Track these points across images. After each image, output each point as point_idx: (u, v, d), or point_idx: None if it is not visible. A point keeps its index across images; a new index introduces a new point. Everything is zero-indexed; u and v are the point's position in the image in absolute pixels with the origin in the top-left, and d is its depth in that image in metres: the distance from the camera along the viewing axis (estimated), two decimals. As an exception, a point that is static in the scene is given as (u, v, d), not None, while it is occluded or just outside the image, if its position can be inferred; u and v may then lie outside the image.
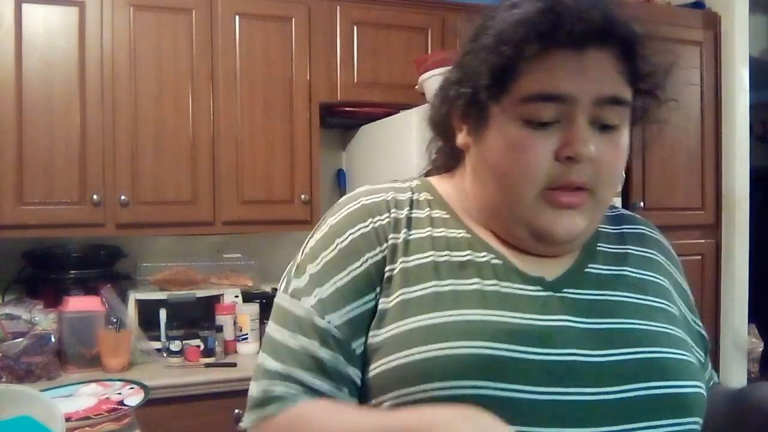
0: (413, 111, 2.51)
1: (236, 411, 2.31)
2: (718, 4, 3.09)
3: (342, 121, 2.94)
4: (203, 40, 2.59)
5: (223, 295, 2.64)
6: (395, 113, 2.70)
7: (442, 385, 0.68)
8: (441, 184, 0.86)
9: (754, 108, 3.29)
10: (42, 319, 2.32)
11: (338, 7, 2.78)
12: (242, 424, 0.79)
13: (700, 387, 0.76)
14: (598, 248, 0.82)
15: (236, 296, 2.65)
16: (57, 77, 2.41)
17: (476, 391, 0.67)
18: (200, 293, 2.62)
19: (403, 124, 2.59)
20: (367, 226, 0.78)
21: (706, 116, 3.03)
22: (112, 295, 2.42)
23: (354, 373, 0.75)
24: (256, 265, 2.86)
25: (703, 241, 3.06)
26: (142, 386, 1.62)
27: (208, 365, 2.41)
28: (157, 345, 2.48)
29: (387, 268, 0.76)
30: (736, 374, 3.08)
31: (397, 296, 0.74)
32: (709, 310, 3.06)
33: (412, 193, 0.83)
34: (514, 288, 0.75)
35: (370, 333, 0.74)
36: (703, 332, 0.90)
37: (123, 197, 2.47)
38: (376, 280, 0.76)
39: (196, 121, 2.58)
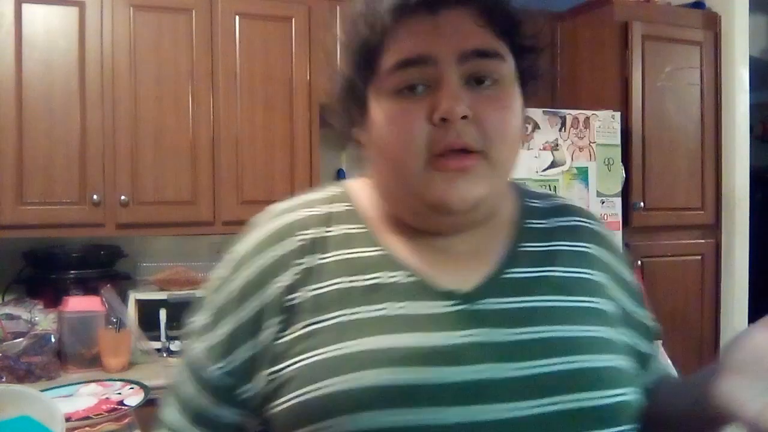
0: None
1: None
2: (718, 4, 3.09)
3: (342, 121, 2.94)
4: (203, 40, 2.59)
5: (223, 295, 2.63)
6: (395, 113, 2.70)
7: (351, 418, 0.65)
8: (361, 190, 0.81)
9: (754, 108, 3.29)
10: (42, 319, 2.32)
11: (338, 7, 2.78)
12: None
13: (625, 394, 0.71)
14: (519, 249, 0.77)
15: (236, 296, 2.64)
16: (57, 77, 2.41)
17: (386, 421, 0.64)
18: (200, 293, 2.61)
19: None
20: (271, 255, 0.74)
21: (706, 116, 3.03)
22: (112, 295, 2.42)
23: (243, 420, 0.74)
24: (256, 265, 2.86)
25: (703, 241, 3.06)
26: (142, 386, 1.62)
27: (208, 365, 2.41)
28: (157, 345, 2.48)
29: (290, 297, 0.72)
30: (736, 374, 3.07)
31: (304, 326, 0.70)
32: (709, 310, 3.06)
33: (328, 204, 0.79)
34: (426, 307, 0.70)
35: (271, 369, 0.70)
36: (647, 322, 0.85)
37: (123, 197, 2.47)
38: (271, 316, 0.71)
39: (196, 121, 2.58)
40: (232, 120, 2.63)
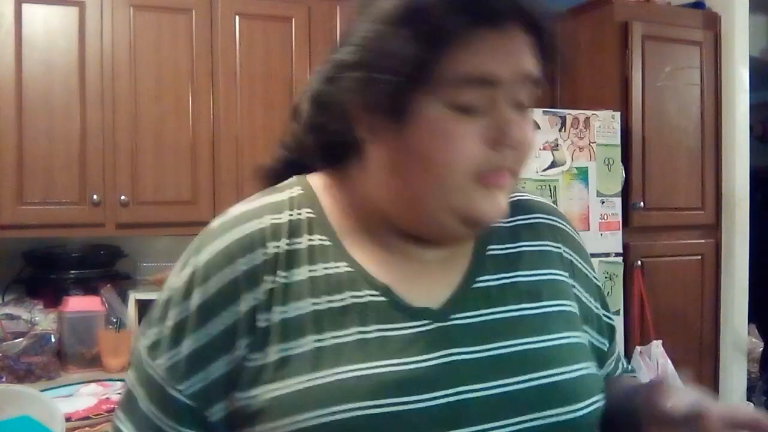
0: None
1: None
2: (718, 4, 3.08)
3: (342, 121, 2.94)
4: (203, 40, 2.59)
5: (223, 295, 2.63)
6: (395, 113, 2.70)
7: None
8: (324, 190, 0.77)
9: (754, 108, 3.29)
10: (42, 319, 2.32)
11: (338, 7, 2.78)
12: None
13: (596, 402, 0.73)
14: (488, 253, 0.77)
15: (236, 296, 2.64)
16: (57, 77, 2.41)
17: None
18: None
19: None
20: (237, 269, 0.70)
21: (706, 116, 3.03)
22: (112, 295, 2.42)
23: None
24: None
25: (703, 241, 3.05)
26: (142, 386, 1.62)
27: (208, 365, 2.41)
28: (157, 345, 2.48)
29: (260, 317, 0.68)
30: (736, 374, 3.07)
31: (276, 352, 0.67)
32: (709, 310, 3.06)
33: (291, 210, 0.74)
34: (399, 328, 0.69)
35: (241, 393, 0.67)
36: (609, 320, 0.86)
37: (123, 197, 2.47)
38: (243, 333, 0.68)
39: (196, 121, 2.58)
40: (232, 120, 2.63)
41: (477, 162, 0.68)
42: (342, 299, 0.69)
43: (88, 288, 2.45)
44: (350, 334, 0.68)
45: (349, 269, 0.71)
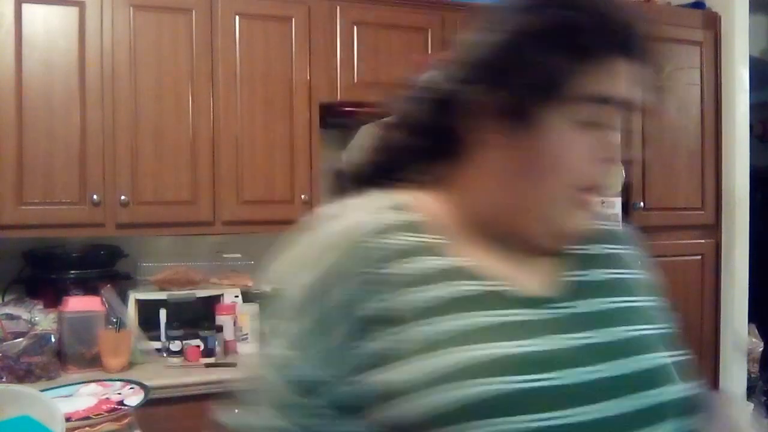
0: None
1: (236, 411, 2.31)
2: (718, 4, 3.09)
3: (342, 121, 2.94)
4: (203, 40, 2.59)
5: (223, 295, 2.64)
6: (395, 113, 2.70)
7: (478, 423, 0.67)
8: (424, 201, 0.80)
9: (754, 108, 3.29)
10: (42, 319, 2.32)
11: (338, 7, 2.78)
12: None
13: (692, 386, 0.78)
14: (577, 252, 0.82)
15: (236, 296, 2.65)
16: (57, 77, 2.41)
17: (504, 428, 0.67)
18: (200, 293, 2.62)
19: (403, 124, 2.59)
20: (362, 257, 0.73)
21: (706, 116, 3.03)
22: (112, 295, 2.42)
23: (349, 428, 0.72)
24: (256, 265, 2.86)
25: (703, 241, 3.06)
26: (142, 386, 1.62)
27: (208, 365, 2.41)
28: (157, 345, 2.48)
29: (385, 306, 0.71)
30: (736, 374, 3.08)
31: (403, 334, 0.70)
32: (709, 310, 3.06)
33: (398, 211, 0.77)
34: (519, 315, 0.74)
35: (375, 376, 0.71)
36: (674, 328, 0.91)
37: (123, 197, 2.47)
38: (373, 322, 0.71)
39: (196, 121, 2.58)
40: (232, 120, 2.63)
41: (582, 176, 0.74)
42: (465, 286, 0.74)
43: (88, 288, 2.45)
44: (474, 317, 0.72)
45: (462, 262, 0.76)
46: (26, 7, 2.38)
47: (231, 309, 2.59)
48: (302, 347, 0.72)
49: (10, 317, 2.30)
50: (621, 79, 0.73)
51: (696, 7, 3.09)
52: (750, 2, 3.08)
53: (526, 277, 0.77)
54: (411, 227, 0.76)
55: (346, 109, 2.84)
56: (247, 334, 2.57)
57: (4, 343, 2.21)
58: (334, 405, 0.71)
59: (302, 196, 2.71)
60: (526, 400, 0.67)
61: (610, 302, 0.79)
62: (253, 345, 2.58)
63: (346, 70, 2.80)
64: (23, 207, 2.37)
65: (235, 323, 2.58)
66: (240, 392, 0.78)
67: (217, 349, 2.48)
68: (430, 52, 2.88)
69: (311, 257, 0.75)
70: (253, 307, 2.60)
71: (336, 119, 2.91)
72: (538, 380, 0.68)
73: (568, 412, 0.68)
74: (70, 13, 2.43)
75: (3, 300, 2.53)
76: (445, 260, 0.75)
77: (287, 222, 2.90)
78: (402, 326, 0.70)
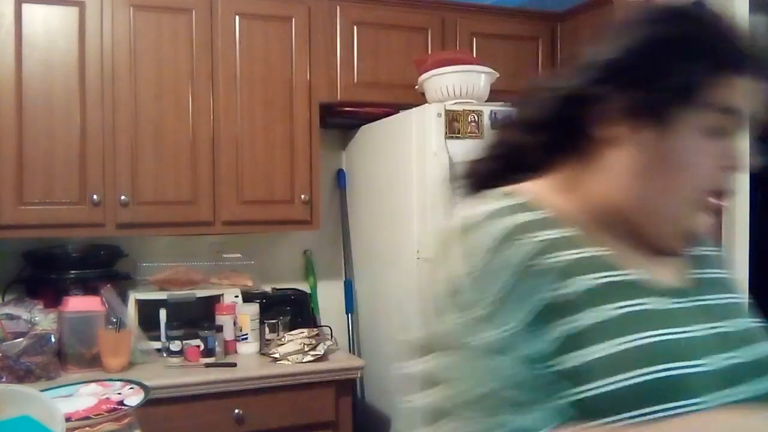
0: (413, 111, 2.51)
1: (236, 411, 2.31)
2: (718, 4, 3.08)
3: (342, 121, 2.94)
4: (203, 40, 2.59)
5: (223, 295, 2.64)
6: (395, 113, 2.70)
7: (652, 409, 0.71)
8: (551, 197, 0.84)
9: (754, 108, 3.28)
10: (42, 319, 2.32)
11: (338, 7, 2.78)
12: None
13: None
14: (695, 253, 0.90)
15: (236, 296, 2.65)
16: (57, 77, 2.41)
17: (678, 411, 0.72)
18: (200, 293, 2.62)
19: (403, 124, 2.59)
20: (527, 248, 0.76)
21: (706, 116, 3.03)
22: (112, 295, 2.42)
23: (551, 402, 0.74)
24: (256, 265, 2.87)
25: (703, 241, 3.05)
26: (142, 386, 1.62)
27: (208, 365, 2.41)
28: (157, 345, 2.48)
29: (556, 294, 0.75)
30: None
31: (573, 322, 0.74)
32: (709, 310, 3.05)
33: (529, 210, 0.81)
34: (666, 303, 0.79)
35: (556, 360, 0.74)
36: None
37: (123, 197, 2.47)
38: (552, 309, 0.75)
39: (196, 121, 2.58)
40: (232, 120, 2.63)
41: (709, 180, 0.79)
42: (615, 276, 0.79)
43: (88, 288, 2.45)
44: (636, 305, 0.77)
45: (604, 253, 0.81)
46: (26, 7, 2.38)
47: (231, 309, 2.59)
48: (483, 328, 0.74)
49: (10, 317, 2.30)
50: (744, 93, 0.79)
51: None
52: (750, 2, 3.08)
53: (657, 270, 0.83)
54: (547, 223, 0.80)
55: (346, 109, 2.85)
56: (246, 334, 2.57)
57: (4, 343, 2.21)
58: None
59: (302, 196, 2.71)
60: (689, 385, 0.73)
61: (725, 297, 0.86)
62: (253, 345, 2.58)
63: (346, 70, 2.80)
64: (23, 207, 2.37)
65: (235, 323, 2.58)
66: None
67: (217, 349, 2.48)
68: (429, 52, 2.88)
69: (478, 256, 0.76)
70: (253, 307, 2.60)
71: (336, 119, 2.91)
72: (695, 366, 0.75)
73: (717, 395, 0.74)
74: (70, 13, 2.43)
75: (3, 300, 2.53)
76: (584, 251, 0.79)
77: (287, 222, 2.92)
78: (571, 316, 0.75)
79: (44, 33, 2.40)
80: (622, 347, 0.73)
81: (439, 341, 0.77)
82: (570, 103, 0.82)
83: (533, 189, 0.85)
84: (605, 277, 0.78)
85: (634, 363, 0.72)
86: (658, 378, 0.72)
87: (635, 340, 0.74)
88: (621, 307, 0.76)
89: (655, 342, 0.75)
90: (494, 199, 0.83)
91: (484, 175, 0.91)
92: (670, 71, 0.77)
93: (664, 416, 0.71)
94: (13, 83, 2.36)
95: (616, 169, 0.81)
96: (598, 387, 0.72)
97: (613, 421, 0.71)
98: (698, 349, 0.76)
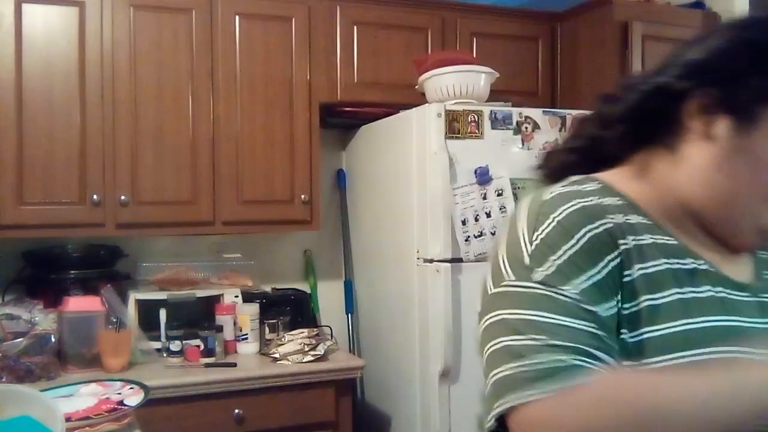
0: (413, 111, 2.51)
1: (236, 411, 2.31)
2: (718, 4, 3.09)
3: (342, 121, 2.94)
4: (203, 40, 2.59)
5: (223, 295, 2.64)
6: (395, 113, 2.70)
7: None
8: (626, 185, 0.87)
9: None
10: (42, 319, 2.32)
11: (338, 7, 2.78)
12: (505, 405, 0.74)
13: None
14: (759, 256, 0.92)
15: (236, 296, 2.65)
16: (57, 77, 2.41)
17: None
18: (200, 293, 2.62)
19: (403, 124, 2.59)
20: (598, 227, 0.79)
21: (706, 116, 3.03)
22: (112, 295, 2.42)
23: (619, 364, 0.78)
24: (256, 265, 2.86)
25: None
26: (142, 386, 1.62)
27: (208, 365, 2.41)
28: (157, 345, 2.48)
29: (625, 273, 0.79)
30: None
31: (642, 301, 0.78)
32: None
33: (608, 198, 0.84)
34: (733, 294, 0.83)
35: (623, 334, 0.78)
36: None
37: (123, 197, 2.47)
38: (618, 283, 0.78)
39: (196, 121, 2.58)
40: (232, 120, 2.63)
41: None
42: (686, 263, 0.83)
43: (88, 288, 2.45)
44: (703, 291, 0.81)
45: (675, 242, 0.84)
46: (26, 7, 2.38)
47: (231, 309, 2.59)
48: (563, 281, 0.77)
49: (10, 317, 2.30)
50: None
51: (696, 7, 3.09)
52: (750, 2, 3.08)
53: (722, 263, 0.85)
54: (620, 208, 0.83)
55: (346, 109, 2.85)
56: (246, 334, 2.57)
57: (4, 343, 2.21)
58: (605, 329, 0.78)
59: (302, 196, 2.71)
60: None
61: None
62: (253, 345, 2.58)
63: (346, 70, 2.80)
64: (23, 207, 2.37)
65: (235, 323, 2.58)
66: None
67: (217, 349, 2.47)
68: (429, 52, 2.88)
69: (564, 234, 0.79)
70: (253, 307, 2.60)
71: (336, 119, 2.91)
72: (751, 354, 0.77)
73: None
74: (70, 13, 2.43)
75: (3, 300, 2.53)
76: (658, 237, 0.83)
77: (287, 222, 2.93)
78: (634, 297, 0.78)
79: (44, 33, 2.40)
80: (686, 328, 0.78)
81: (514, 296, 0.80)
82: (654, 98, 0.86)
83: (606, 178, 0.88)
84: (671, 263, 0.81)
85: (690, 343, 0.77)
86: (713, 358, 0.76)
87: (695, 323, 0.78)
88: (682, 293, 0.80)
89: (713, 326, 0.78)
90: (570, 183, 0.86)
91: (559, 166, 0.95)
92: (755, 72, 0.81)
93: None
94: (13, 83, 2.36)
95: (694, 162, 0.84)
96: (659, 362, 0.76)
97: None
98: (754, 338, 0.79)
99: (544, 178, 0.96)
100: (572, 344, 0.74)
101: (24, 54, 2.37)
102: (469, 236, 2.42)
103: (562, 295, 0.76)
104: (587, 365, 0.73)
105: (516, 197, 2.47)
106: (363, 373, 2.65)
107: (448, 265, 2.37)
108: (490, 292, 0.83)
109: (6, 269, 2.59)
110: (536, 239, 0.80)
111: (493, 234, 2.44)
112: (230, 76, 2.62)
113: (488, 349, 0.79)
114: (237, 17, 2.64)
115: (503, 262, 0.82)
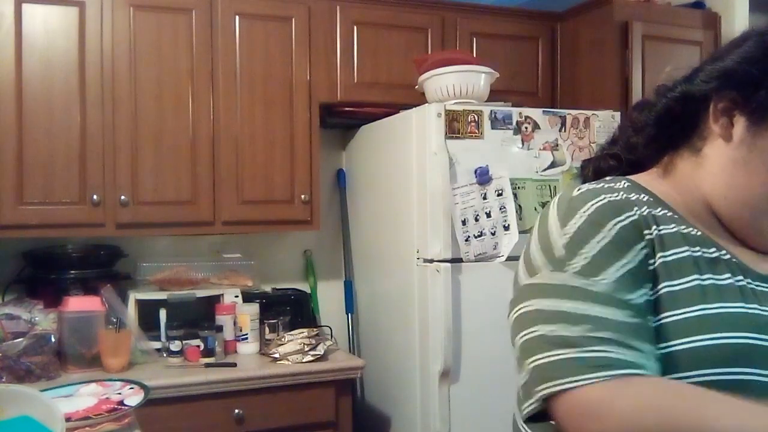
0: (413, 111, 2.51)
1: (236, 411, 2.31)
2: (718, 4, 3.09)
3: (342, 121, 2.94)
4: (203, 40, 2.59)
5: (223, 295, 2.64)
6: (395, 113, 2.70)
7: (713, 371, 0.78)
8: (653, 184, 0.92)
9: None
10: (42, 319, 2.32)
11: (338, 7, 2.78)
12: (555, 389, 0.77)
13: None
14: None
15: (236, 296, 2.65)
16: (57, 77, 2.41)
17: (742, 378, 0.78)
18: (200, 293, 2.62)
19: (403, 124, 2.59)
20: (624, 219, 0.84)
21: (706, 116, 3.03)
22: (112, 295, 2.42)
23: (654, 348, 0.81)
24: (256, 265, 2.86)
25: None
26: (142, 386, 1.62)
27: (208, 365, 2.41)
28: (157, 345, 2.48)
29: (651, 261, 0.83)
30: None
31: (662, 288, 0.82)
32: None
33: (631, 194, 0.88)
34: (755, 284, 0.85)
35: (654, 317, 0.82)
36: None
37: (123, 197, 2.47)
38: (649, 271, 0.83)
39: (196, 121, 2.58)
40: (232, 120, 2.63)
41: None
42: (709, 252, 0.85)
43: (88, 288, 2.45)
44: (723, 279, 0.84)
45: (699, 233, 0.87)
46: (26, 7, 2.38)
47: (231, 309, 2.59)
48: (593, 273, 0.81)
49: (10, 317, 2.30)
50: None
51: (696, 7, 3.09)
52: (750, 2, 3.08)
53: (743, 255, 0.88)
54: (648, 203, 0.87)
55: (346, 109, 2.85)
56: (246, 334, 2.57)
57: (4, 343, 2.21)
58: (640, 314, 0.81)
59: (302, 196, 2.71)
60: (763, 357, 0.79)
61: None
62: (253, 344, 2.58)
63: (346, 70, 2.80)
64: (23, 207, 2.38)
65: (234, 323, 2.58)
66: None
67: (217, 349, 2.48)
68: (429, 52, 2.88)
69: (593, 227, 0.84)
70: (253, 307, 2.60)
71: (336, 119, 2.91)
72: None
73: None
74: (70, 13, 2.43)
75: (3, 300, 2.53)
76: (682, 227, 0.86)
77: (287, 222, 2.93)
78: (657, 283, 0.82)
79: (44, 33, 2.40)
80: (703, 313, 0.80)
81: (547, 287, 0.84)
82: (681, 103, 0.90)
83: (635, 178, 0.93)
84: (694, 251, 0.84)
85: (705, 328, 0.79)
86: (737, 344, 0.78)
87: (711, 308, 0.80)
88: (702, 279, 0.82)
89: (730, 312, 0.80)
90: (599, 182, 0.92)
91: (597, 171, 1.01)
92: None
93: (742, 380, 0.78)
94: (13, 83, 2.36)
95: (714, 162, 0.88)
96: (681, 345, 0.80)
97: (693, 377, 0.79)
98: None
99: (583, 182, 0.99)
100: (609, 335, 0.78)
101: (24, 54, 2.37)
102: (469, 236, 2.42)
103: (596, 285, 0.80)
104: (626, 357, 0.77)
105: (516, 197, 2.47)
106: (363, 373, 2.65)
107: (448, 265, 2.37)
108: (522, 283, 0.88)
109: (6, 269, 2.59)
110: (567, 233, 0.85)
111: (493, 234, 2.44)
112: (230, 76, 2.63)
113: (522, 337, 0.83)
114: (237, 17, 2.64)
115: (536, 254, 0.87)
